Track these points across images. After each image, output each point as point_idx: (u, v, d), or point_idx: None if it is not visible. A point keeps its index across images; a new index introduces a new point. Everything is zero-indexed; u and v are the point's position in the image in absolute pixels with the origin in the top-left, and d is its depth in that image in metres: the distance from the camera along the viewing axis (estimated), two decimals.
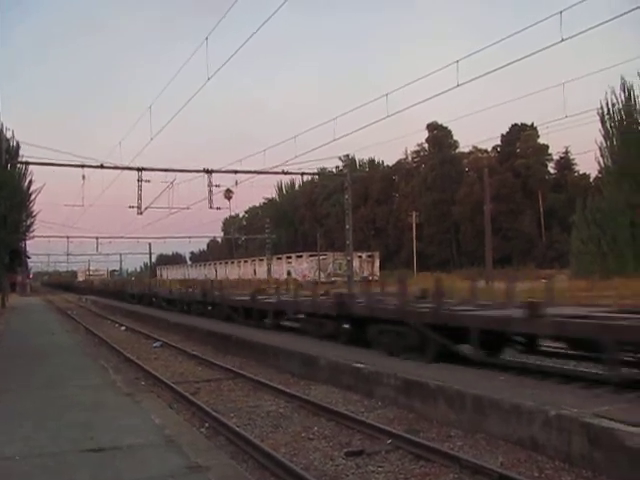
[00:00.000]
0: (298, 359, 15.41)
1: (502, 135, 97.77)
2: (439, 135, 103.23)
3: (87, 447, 7.56)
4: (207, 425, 10.48)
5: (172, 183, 42.00)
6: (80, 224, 76.12)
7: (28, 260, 78.30)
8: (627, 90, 49.86)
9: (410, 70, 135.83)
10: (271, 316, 21.96)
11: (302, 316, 19.85)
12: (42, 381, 13.05)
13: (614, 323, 10.25)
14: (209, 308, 29.72)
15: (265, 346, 17.63)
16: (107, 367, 15.29)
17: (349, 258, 47.09)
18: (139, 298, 47.70)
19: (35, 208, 49.01)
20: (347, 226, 46.18)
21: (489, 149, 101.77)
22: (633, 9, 17.64)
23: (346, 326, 17.19)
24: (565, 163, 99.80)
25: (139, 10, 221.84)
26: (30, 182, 45.99)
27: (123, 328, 30.89)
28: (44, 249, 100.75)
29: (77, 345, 21.01)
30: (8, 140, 39.07)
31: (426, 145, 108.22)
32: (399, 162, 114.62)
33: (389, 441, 9.01)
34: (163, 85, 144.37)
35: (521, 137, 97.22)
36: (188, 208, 51.44)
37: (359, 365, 12.94)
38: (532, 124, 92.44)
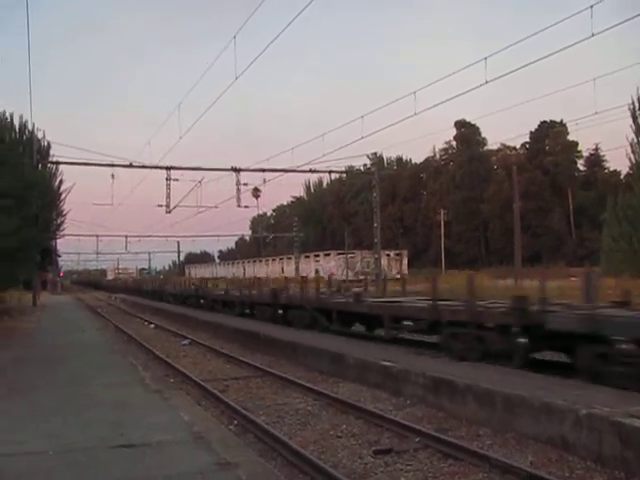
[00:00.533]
0: (326, 357, 15.42)
1: (531, 132, 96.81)
2: (467, 132, 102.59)
3: (118, 443, 7.62)
4: (236, 422, 10.51)
5: (200, 182, 42.23)
6: (109, 223, 77.16)
7: (58, 259, 79.30)
8: None
9: (437, 68, 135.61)
10: (238, 306, 29.66)
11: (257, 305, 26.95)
12: (72, 378, 13.20)
13: (386, 305, 17.43)
14: (201, 301, 36.97)
15: (293, 344, 17.66)
16: (136, 364, 15.45)
17: (377, 256, 46.99)
18: (152, 294, 54.84)
19: (65, 207, 49.62)
20: (375, 224, 46.13)
21: (518, 146, 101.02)
22: None
23: (280, 312, 23.82)
24: (595, 160, 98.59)
25: (158, 8, 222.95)
26: (60, 181, 46.56)
27: (152, 326, 31.11)
28: (74, 248, 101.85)
29: (107, 343, 21.23)
30: (39, 140, 39.54)
31: (454, 143, 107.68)
32: (427, 160, 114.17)
33: (417, 439, 8.97)
34: (190, 84, 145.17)
35: (550, 134, 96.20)
36: (216, 207, 51.69)
37: (387, 363, 12.92)
38: (561, 121, 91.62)
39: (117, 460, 6.95)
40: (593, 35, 18.49)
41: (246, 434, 9.73)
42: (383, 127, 36.17)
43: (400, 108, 32.79)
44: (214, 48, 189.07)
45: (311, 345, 16.74)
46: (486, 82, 23.04)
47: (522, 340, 12.02)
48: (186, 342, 23.15)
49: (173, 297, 46.00)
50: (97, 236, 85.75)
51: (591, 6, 18.19)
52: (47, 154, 41.39)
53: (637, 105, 49.64)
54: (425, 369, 11.79)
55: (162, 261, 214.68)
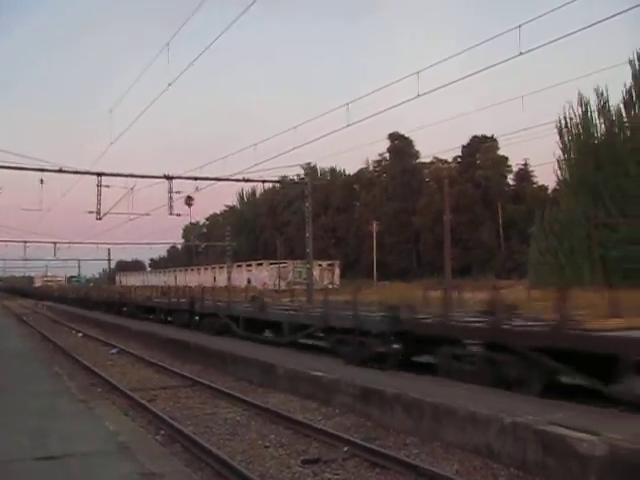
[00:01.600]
0: (256, 367, 15.36)
1: (463, 146, 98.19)
2: (400, 145, 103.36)
3: (38, 455, 7.44)
4: (163, 432, 10.37)
5: (132, 189, 41.56)
6: (38, 229, 75.22)
7: None
8: (584, 105, 50.65)
9: (371, 80, 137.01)
10: (104, 305, 42.70)
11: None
12: None
13: (160, 301, 32.02)
14: (95, 304, 47.16)
15: (223, 353, 17.55)
16: (61, 374, 15.14)
17: (309, 266, 47.04)
18: (59, 299, 66.75)
19: None
20: (307, 234, 46.11)
21: (450, 160, 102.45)
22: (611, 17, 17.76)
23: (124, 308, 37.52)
24: (524, 175, 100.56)
25: (106, 17, 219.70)
26: None
27: (80, 335, 30.42)
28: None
29: (31, 351, 20.73)
30: None
31: (387, 155, 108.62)
32: (360, 171, 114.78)
33: (345, 449, 9.00)
34: (123, 91, 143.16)
35: (481, 148, 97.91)
36: (148, 214, 50.83)
37: (318, 373, 12.93)
38: (492, 136, 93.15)
39: (37, 472, 6.79)
40: (521, 54, 18.87)
41: (173, 444, 9.61)
42: (316, 138, 36.10)
43: (333, 119, 33.08)
44: (148, 55, 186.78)
45: (241, 354, 16.64)
46: (418, 95, 23.26)
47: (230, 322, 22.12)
48: (114, 351, 22.77)
49: (72, 300, 57.89)
50: (25, 242, 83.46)
51: (519, 26, 18.58)
52: None
53: (563, 123, 51.10)
54: (354, 378, 11.85)
55: (93, 268, 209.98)
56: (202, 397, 13.73)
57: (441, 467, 8.03)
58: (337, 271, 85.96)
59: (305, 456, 8.84)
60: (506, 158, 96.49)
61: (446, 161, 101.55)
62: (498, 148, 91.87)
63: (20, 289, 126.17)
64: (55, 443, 7.96)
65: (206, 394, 13.98)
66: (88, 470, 6.83)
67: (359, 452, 8.77)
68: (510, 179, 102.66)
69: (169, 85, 24.06)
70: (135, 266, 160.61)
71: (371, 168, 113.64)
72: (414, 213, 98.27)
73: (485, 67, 21.65)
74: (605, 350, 9.39)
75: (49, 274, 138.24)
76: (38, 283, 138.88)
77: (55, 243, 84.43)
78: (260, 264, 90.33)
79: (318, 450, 9.19)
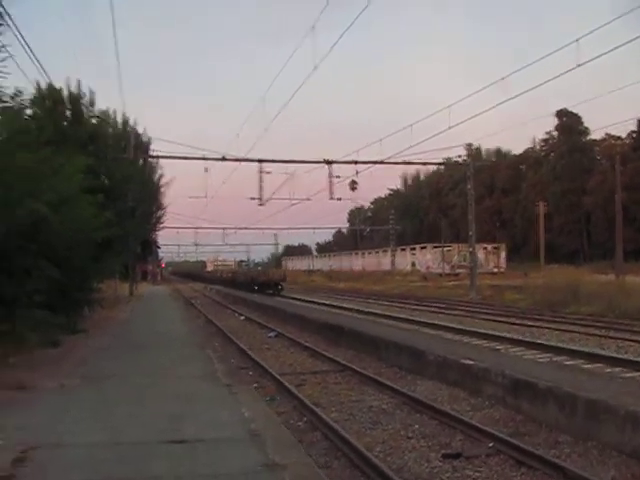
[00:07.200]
0: (407, 353, 14.97)
1: (638, 120, 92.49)
2: (569, 122, 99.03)
3: (170, 438, 7.47)
4: (305, 419, 10.19)
5: (292, 175, 42.13)
6: (206, 215, 78.56)
7: (159, 250, 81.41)
8: None
9: (526, 53, 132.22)
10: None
11: None
12: (146, 369, 13.32)
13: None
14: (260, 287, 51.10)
15: (375, 338, 17.28)
16: (212, 357, 15.36)
17: (471, 250, 45.95)
18: (227, 282, 70.69)
19: (165, 201, 50.72)
20: (470, 217, 45.08)
21: (624, 136, 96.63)
22: None
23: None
24: None
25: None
26: (160, 175, 47.55)
27: (242, 317, 31.25)
28: (175, 239, 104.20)
29: (192, 334, 21.38)
30: (139, 135, 40.13)
31: (555, 133, 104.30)
32: (526, 151, 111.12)
33: (491, 444, 8.41)
34: (273, 77, 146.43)
35: None
36: (308, 199, 51.57)
37: (468, 362, 12.35)
38: None
39: (164, 456, 6.79)
40: None
41: (314, 432, 9.38)
42: (471, 116, 34.96)
43: (489, 95, 32.01)
44: (294, 40, 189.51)
45: (392, 340, 16.29)
46: (577, 65, 21.86)
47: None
48: (272, 334, 23.06)
49: (239, 284, 60.49)
50: (196, 228, 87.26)
51: None
52: (148, 149, 42.11)
53: None
54: (505, 368, 11.18)
55: (260, 253, 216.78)
56: (350, 383, 13.49)
57: (594, 472, 7.23)
58: (503, 254, 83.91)
59: (447, 450, 8.35)
60: None
61: (619, 137, 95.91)
62: None
63: (192, 273, 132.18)
64: (189, 428, 7.97)
65: (355, 380, 13.74)
66: (213, 457, 6.74)
67: (505, 448, 8.15)
68: None
69: (315, 68, 24.19)
70: (302, 250, 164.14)
71: (538, 147, 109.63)
72: (584, 193, 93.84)
73: None
74: None
75: (220, 259, 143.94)
76: (210, 267, 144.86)
77: (224, 229, 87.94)
78: (424, 247, 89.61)
79: (461, 444, 8.65)
